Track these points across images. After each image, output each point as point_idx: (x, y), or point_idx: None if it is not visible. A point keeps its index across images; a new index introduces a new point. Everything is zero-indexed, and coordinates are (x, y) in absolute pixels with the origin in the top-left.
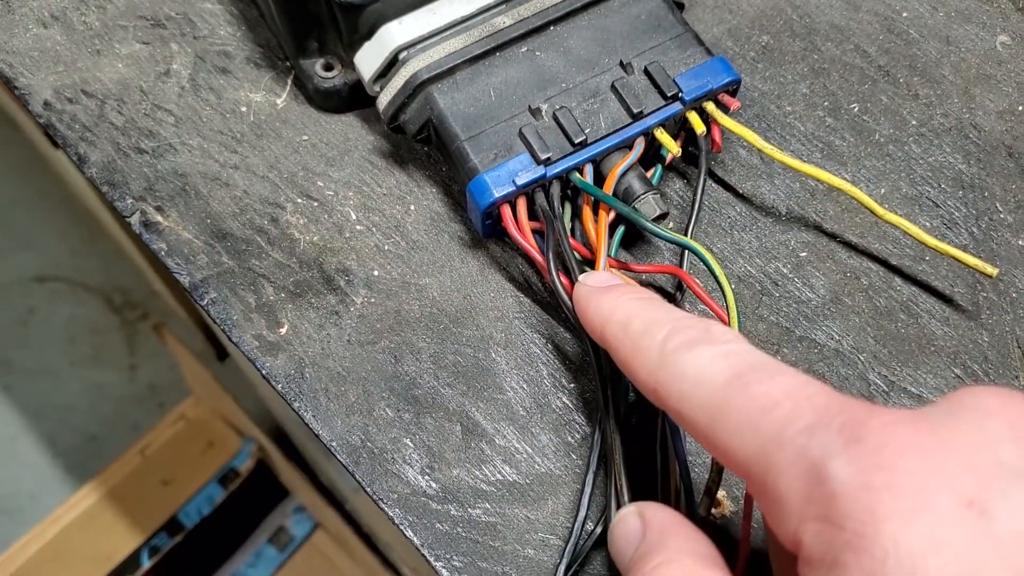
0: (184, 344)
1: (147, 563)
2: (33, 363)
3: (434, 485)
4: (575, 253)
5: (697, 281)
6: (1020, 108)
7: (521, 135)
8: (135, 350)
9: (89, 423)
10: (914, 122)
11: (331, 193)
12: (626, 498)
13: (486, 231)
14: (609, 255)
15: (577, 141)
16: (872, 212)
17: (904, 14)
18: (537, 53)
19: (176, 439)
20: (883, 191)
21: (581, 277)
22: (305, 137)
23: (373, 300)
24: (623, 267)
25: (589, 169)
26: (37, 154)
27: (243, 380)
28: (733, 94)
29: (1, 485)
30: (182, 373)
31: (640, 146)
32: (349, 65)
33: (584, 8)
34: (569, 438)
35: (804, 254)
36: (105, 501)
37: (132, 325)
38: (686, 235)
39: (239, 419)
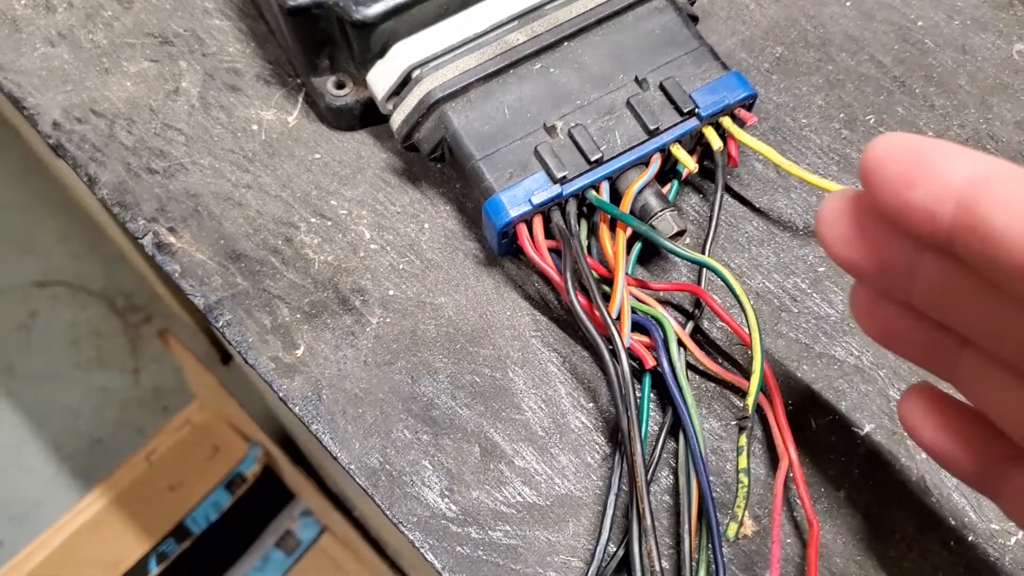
0: (188, 348)
1: (155, 569)
2: (36, 368)
3: (454, 507)
4: (592, 271)
5: (715, 298)
6: None
7: (536, 153)
8: (138, 353)
9: (94, 427)
10: (930, 133)
11: (344, 212)
12: (648, 520)
13: (502, 249)
14: (627, 272)
15: (593, 159)
16: None
17: (919, 23)
18: (551, 70)
19: (182, 444)
20: None
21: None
22: (317, 155)
23: (389, 320)
24: (640, 284)
25: (605, 187)
26: (37, 158)
27: (248, 384)
28: (749, 108)
29: (7, 491)
30: (186, 378)
31: (656, 163)
32: (361, 83)
33: (598, 23)
34: (589, 459)
35: (822, 269)
36: (112, 507)
37: (135, 328)
38: (703, 251)
39: (244, 424)
